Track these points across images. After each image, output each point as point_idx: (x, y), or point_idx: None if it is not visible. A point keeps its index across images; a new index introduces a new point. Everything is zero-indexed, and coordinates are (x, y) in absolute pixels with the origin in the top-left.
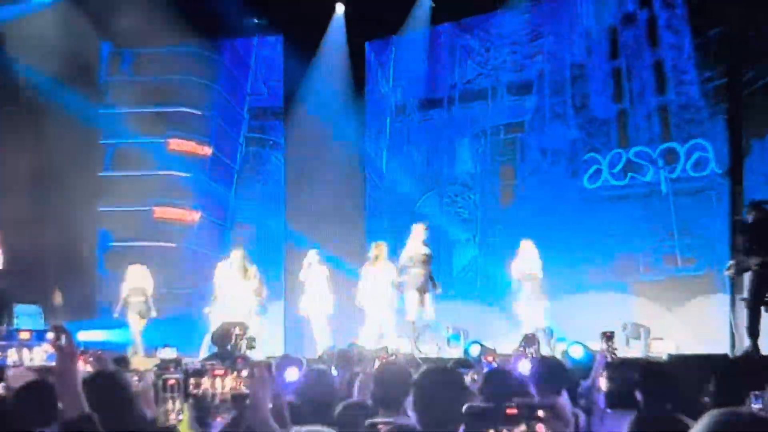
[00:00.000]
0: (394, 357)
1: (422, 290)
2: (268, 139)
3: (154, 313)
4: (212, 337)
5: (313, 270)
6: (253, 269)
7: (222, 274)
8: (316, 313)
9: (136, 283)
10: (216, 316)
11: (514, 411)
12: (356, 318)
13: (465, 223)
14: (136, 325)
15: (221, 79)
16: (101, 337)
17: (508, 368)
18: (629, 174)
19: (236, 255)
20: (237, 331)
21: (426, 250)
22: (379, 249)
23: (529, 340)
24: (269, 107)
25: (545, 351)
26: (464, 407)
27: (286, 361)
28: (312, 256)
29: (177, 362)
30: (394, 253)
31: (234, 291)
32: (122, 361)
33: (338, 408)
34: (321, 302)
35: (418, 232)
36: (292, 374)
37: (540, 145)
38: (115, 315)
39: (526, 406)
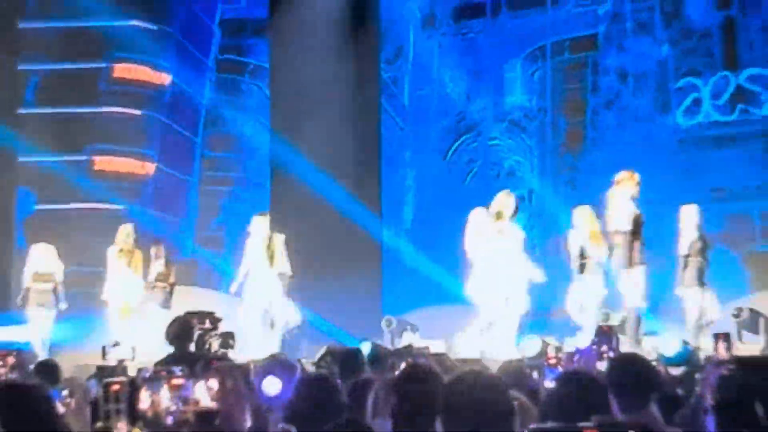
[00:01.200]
0: (422, 359)
1: None
2: (247, 63)
3: (63, 305)
4: (166, 334)
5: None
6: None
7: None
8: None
9: (40, 266)
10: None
11: None
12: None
13: (515, 176)
14: (40, 320)
15: None
16: (19, 335)
17: (582, 371)
18: (739, 106)
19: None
20: (205, 325)
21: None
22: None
23: (605, 334)
24: (249, 20)
25: (629, 345)
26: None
27: (273, 365)
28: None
29: (123, 368)
30: (419, 220)
31: None
32: (47, 369)
33: None
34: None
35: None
36: (273, 385)
37: (619, 68)
38: (19, 306)
39: (609, 425)
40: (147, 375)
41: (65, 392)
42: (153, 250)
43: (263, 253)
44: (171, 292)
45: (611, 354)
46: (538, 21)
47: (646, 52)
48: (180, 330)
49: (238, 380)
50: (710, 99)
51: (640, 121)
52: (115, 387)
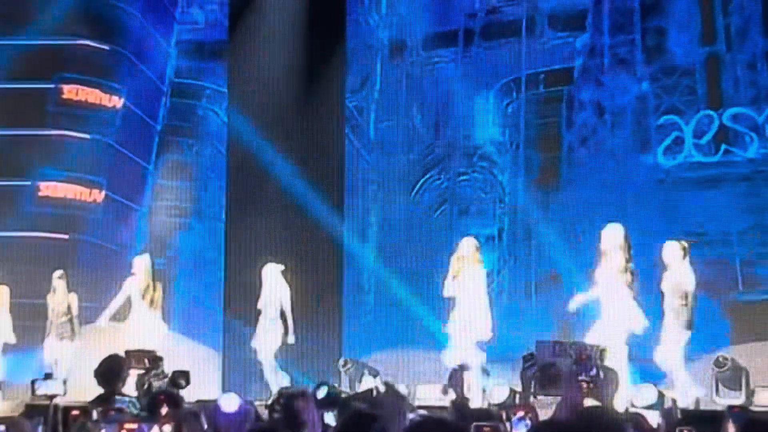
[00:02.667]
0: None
1: None
2: (204, 88)
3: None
4: (95, 373)
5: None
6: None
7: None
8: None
9: None
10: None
11: None
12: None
13: (486, 214)
14: None
15: None
16: None
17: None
18: (723, 146)
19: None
20: (142, 365)
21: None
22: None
23: (583, 362)
24: (207, 42)
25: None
26: None
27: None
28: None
29: (54, 407)
30: (382, 258)
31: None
32: None
33: None
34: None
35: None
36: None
37: (596, 103)
38: None
39: None
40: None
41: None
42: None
43: (141, 294)
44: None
45: (590, 384)
46: (512, 52)
47: (625, 87)
48: (107, 370)
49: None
50: (692, 138)
51: (618, 159)
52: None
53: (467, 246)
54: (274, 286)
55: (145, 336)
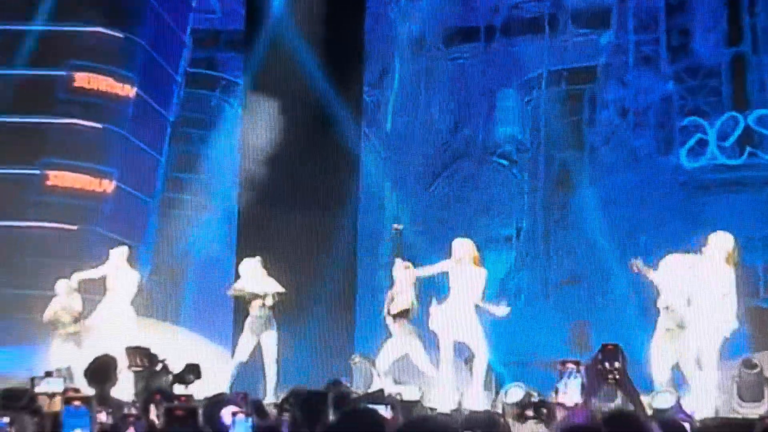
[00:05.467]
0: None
1: None
2: (219, 78)
3: None
4: (85, 374)
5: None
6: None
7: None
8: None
9: None
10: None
11: None
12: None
13: (504, 214)
14: None
15: None
16: None
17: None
18: (748, 149)
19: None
20: (139, 363)
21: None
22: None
23: (610, 352)
24: (223, 31)
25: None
26: None
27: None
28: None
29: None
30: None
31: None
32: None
33: None
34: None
35: None
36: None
37: (619, 102)
38: None
39: None
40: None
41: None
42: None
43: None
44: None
45: (615, 374)
46: (534, 48)
47: (649, 87)
48: (96, 371)
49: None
50: (716, 140)
51: (640, 160)
52: None
53: (462, 247)
54: (260, 281)
55: (118, 328)
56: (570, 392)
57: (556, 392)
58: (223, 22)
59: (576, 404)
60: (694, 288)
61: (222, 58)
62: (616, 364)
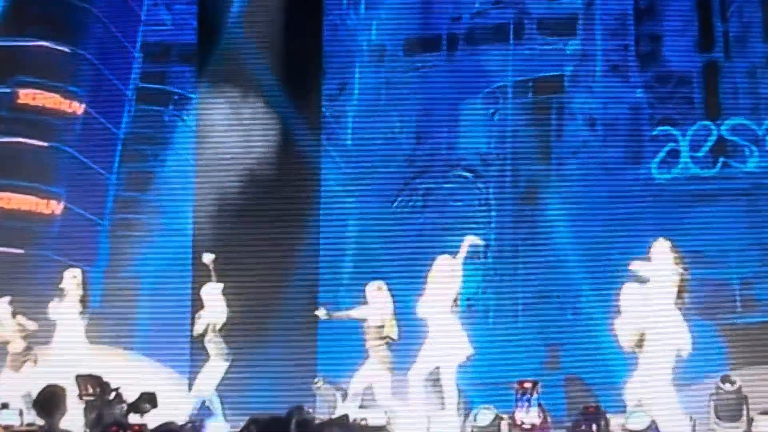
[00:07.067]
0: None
1: None
2: (171, 93)
3: None
4: (33, 405)
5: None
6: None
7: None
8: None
9: None
10: None
11: None
12: None
13: (470, 229)
14: None
15: None
16: None
17: None
18: (721, 159)
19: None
20: (90, 391)
21: None
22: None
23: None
24: (175, 44)
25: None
26: None
27: None
28: None
29: None
30: (360, 274)
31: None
32: None
33: None
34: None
35: None
36: None
37: (587, 113)
38: None
39: None
40: None
41: None
42: None
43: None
44: None
45: None
46: (499, 58)
47: (618, 96)
48: (44, 402)
49: None
50: (689, 150)
51: (610, 172)
52: None
53: (442, 265)
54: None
55: (69, 355)
56: (529, 413)
57: (514, 414)
58: (174, 34)
59: (533, 426)
60: (649, 322)
61: (174, 72)
62: (594, 428)
